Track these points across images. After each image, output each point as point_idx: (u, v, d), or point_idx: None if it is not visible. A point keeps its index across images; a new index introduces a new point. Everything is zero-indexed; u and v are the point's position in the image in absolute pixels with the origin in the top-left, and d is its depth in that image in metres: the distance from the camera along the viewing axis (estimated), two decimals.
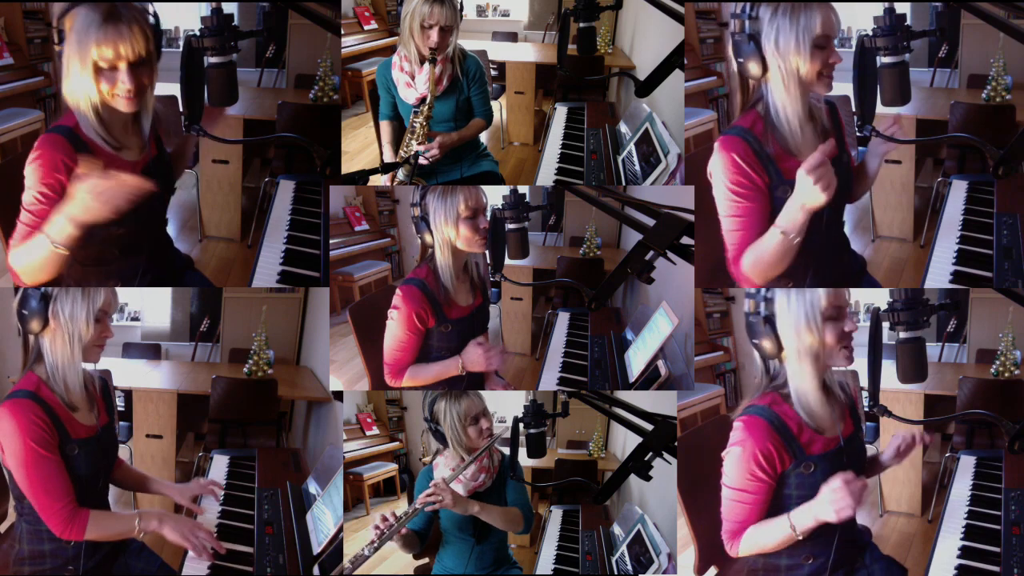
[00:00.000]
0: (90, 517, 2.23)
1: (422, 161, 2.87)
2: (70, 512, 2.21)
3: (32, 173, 2.13)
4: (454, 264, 2.52)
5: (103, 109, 2.15)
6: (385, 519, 2.42)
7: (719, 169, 2.11)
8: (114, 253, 2.30)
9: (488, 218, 2.50)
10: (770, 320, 2.05)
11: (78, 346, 2.19)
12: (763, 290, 2.06)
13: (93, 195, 2.03)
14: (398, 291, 2.53)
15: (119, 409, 3.54)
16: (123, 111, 2.16)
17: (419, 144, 2.85)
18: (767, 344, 2.06)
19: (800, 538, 2.05)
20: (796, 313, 2.02)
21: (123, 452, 3.32)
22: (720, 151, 2.11)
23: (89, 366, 2.30)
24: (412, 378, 2.56)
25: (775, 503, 2.08)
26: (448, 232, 2.47)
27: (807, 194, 1.97)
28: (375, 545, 2.41)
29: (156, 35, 2.17)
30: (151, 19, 2.15)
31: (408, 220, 4.04)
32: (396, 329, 2.52)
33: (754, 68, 2.07)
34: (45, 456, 2.16)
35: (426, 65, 2.80)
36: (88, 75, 2.09)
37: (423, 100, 2.85)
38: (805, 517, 2.04)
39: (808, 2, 2.02)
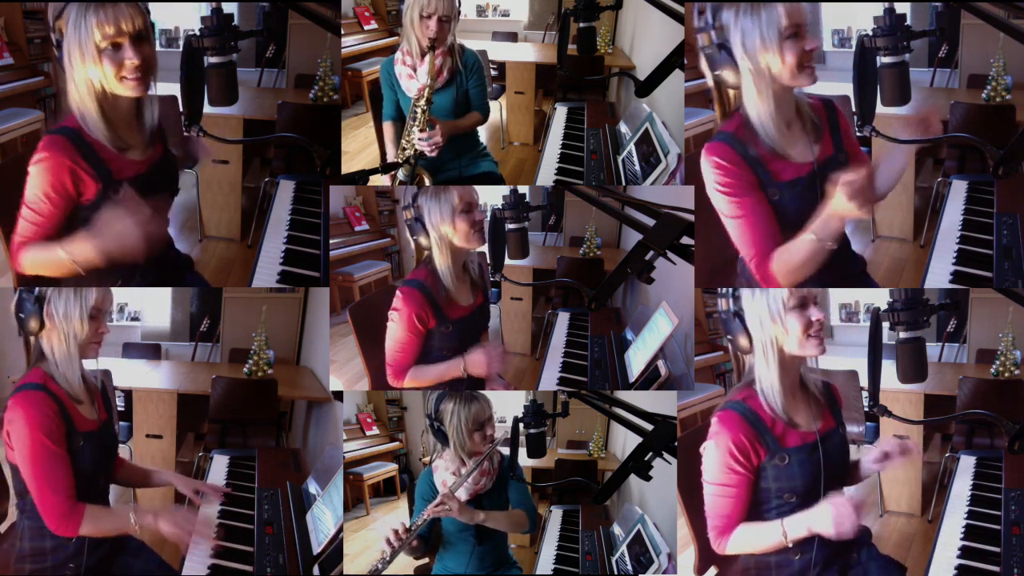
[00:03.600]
0: (86, 513, 2.23)
1: (426, 150, 2.86)
2: (68, 507, 2.22)
3: (37, 174, 2.13)
4: (453, 264, 2.52)
5: (108, 105, 2.15)
6: (396, 533, 2.44)
7: (707, 175, 2.12)
8: None
9: (482, 212, 2.50)
10: (739, 315, 2.09)
11: (74, 344, 2.22)
12: (730, 288, 2.10)
13: (128, 233, 2.08)
14: (398, 292, 2.53)
15: (119, 409, 3.55)
16: (131, 95, 2.14)
17: (420, 130, 2.84)
18: (741, 340, 2.10)
19: (790, 546, 2.07)
20: (761, 305, 2.06)
21: (123, 452, 3.32)
22: (704, 157, 2.11)
23: (90, 364, 2.31)
24: (414, 379, 2.56)
25: (754, 496, 2.10)
26: (445, 229, 2.47)
27: (842, 207, 1.96)
28: (388, 559, 2.44)
29: (148, 14, 2.18)
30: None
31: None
32: (397, 331, 2.53)
33: (730, 76, 2.06)
34: (52, 450, 2.18)
35: (427, 56, 2.81)
36: (92, 62, 2.08)
37: (424, 89, 2.86)
38: (799, 527, 2.06)
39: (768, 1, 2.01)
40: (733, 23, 2.02)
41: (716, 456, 2.09)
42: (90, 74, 2.10)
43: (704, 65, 2.10)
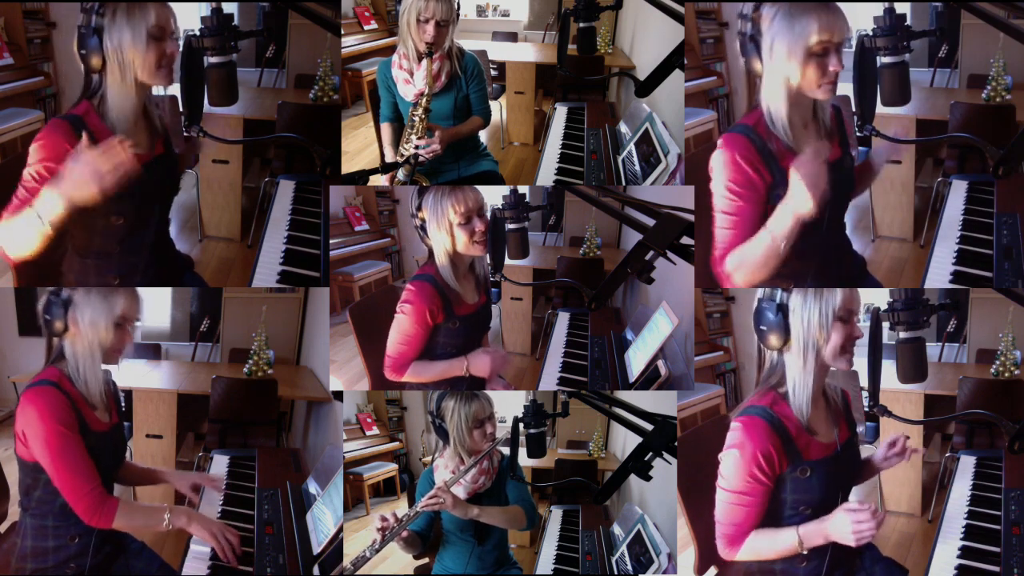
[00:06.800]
0: (120, 506, 2.22)
1: (424, 157, 2.87)
2: (99, 496, 2.21)
3: (33, 152, 2.15)
4: (456, 267, 2.52)
5: (135, 92, 2.21)
6: (385, 519, 2.43)
7: (720, 166, 2.11)
8: (114, 247, 2.31)
9: (485, 220, 2.50)
10: (783, 309, 2.04)
11: (98, 351, 2.22)
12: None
13: (80, 166, 2.06)
14: (409, 286, 2.53)
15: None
16: (163, 83, 2.24)
17: (418, 138, 2.85)
18: (774, 336, 2.05)
19: (804, 553, 2.06)
20: (811, 309, 2.02)
21: None
22: (722, 148, 2.11)
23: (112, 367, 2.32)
24: (415, 374, 2.56)
25: (770, 507, 2.08)
26: (444, 240, 2.47)
27: (797, 198, 1.97)
28: (376, 547, 2.42)
29: None
30: None
31: (408, 220, 4.05)
32: (406, 323, 2.52)
33: (757, 67, 2.09)
34: (72, 437, 2.17)
35: (424, 61, 2.81)
36: (140, 49, 2.16)
37: (422, 95, 2.86)
38: (815, 535, 2.04)
39: (808, 1, 2.01)
40: (768, 23, 2.04)
41: (739, 464, 2.04)
42: (136, 60, 2.18)
43: (737, 47, 2.15)
